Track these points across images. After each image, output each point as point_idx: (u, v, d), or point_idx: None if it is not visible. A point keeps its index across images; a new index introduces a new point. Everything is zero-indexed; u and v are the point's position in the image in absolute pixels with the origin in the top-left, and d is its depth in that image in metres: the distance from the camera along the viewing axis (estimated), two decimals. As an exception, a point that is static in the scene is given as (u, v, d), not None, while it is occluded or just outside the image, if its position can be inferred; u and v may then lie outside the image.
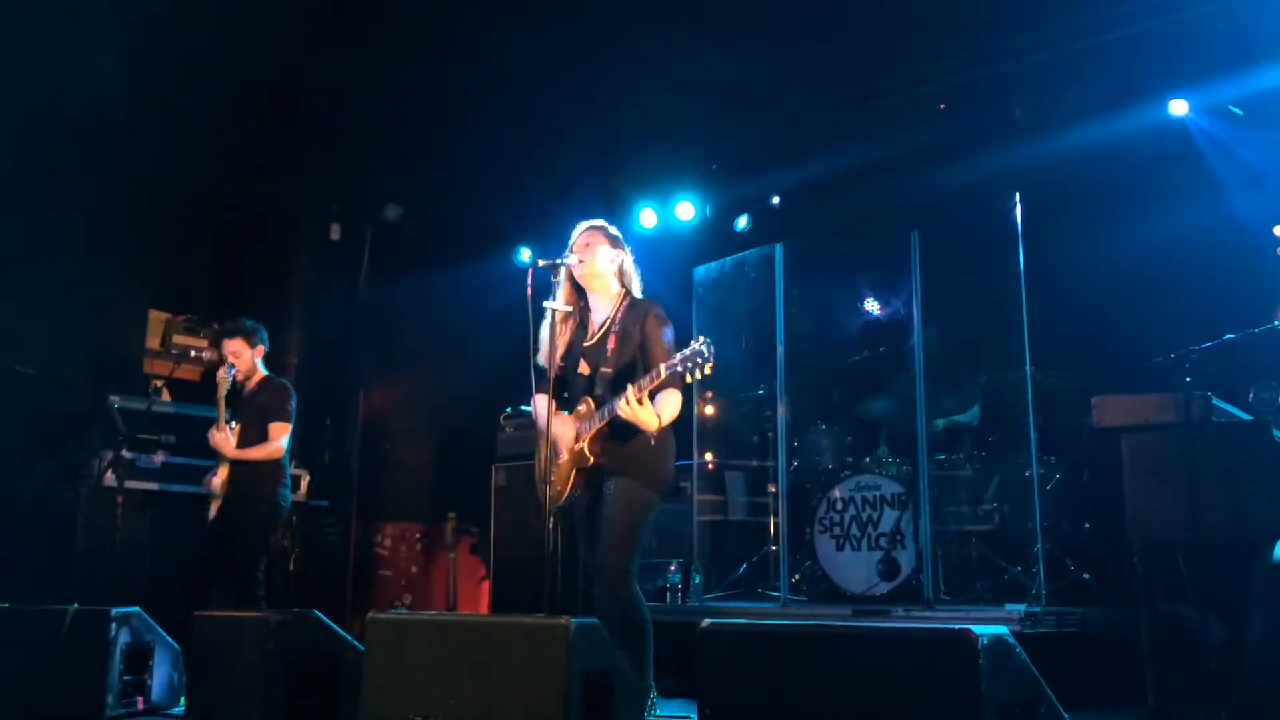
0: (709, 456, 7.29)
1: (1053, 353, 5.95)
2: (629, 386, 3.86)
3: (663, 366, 3.82)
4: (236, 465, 5.65)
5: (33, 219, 6.51)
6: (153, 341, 7.55)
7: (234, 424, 5.72)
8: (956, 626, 2.66)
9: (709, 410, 7.33)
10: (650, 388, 3.84)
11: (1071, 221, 6.43)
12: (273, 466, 5.69)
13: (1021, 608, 5.16)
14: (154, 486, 6.57)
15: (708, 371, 3.76)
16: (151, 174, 7.20)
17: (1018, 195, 5.67)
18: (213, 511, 5.67)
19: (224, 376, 5.71)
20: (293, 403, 5.80)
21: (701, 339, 3.78)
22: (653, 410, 3.90)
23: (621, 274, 4.31)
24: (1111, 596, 5.63)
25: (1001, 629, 2.73)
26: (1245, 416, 4.08)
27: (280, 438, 5.67)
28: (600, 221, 4.39)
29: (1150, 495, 3.84)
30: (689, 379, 3.80)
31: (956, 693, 2.59)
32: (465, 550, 8.37)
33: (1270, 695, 3.77)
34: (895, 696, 2.71)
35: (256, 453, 5.64)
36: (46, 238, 6.60)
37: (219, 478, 5.67)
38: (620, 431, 4.03)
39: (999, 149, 6.70)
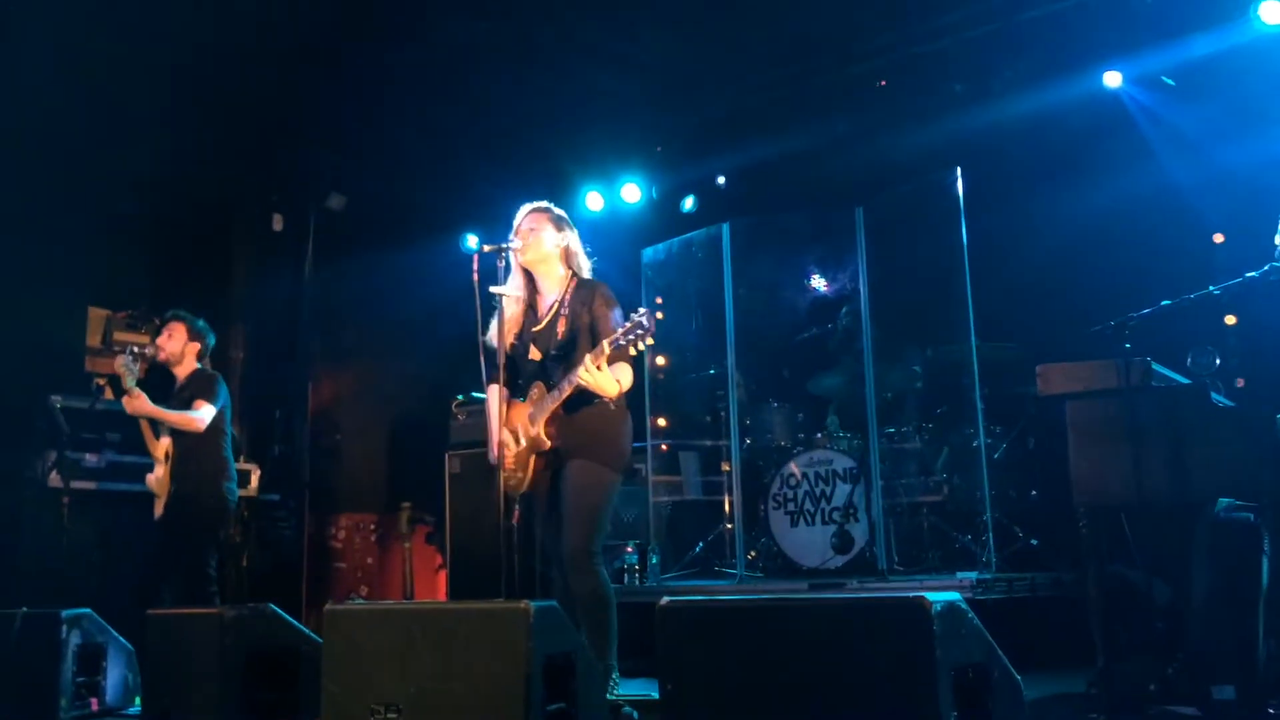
0: (663, 438, 7.32)
1: (997, 323, 6.05)
2: (586, 356, 3.87)
3: (606, 342, 3.83)
4: (177, 463, 5.54)
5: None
6: (93, 339, 7.40)
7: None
8: (910, 594, 2.71)
9: (662, 392, 7.35)
10: (602, 359, 3.85)
11: (1012, 194, 6.53)
12: (216, 460, 5.59)
13: (973, 575, 5.26)
14: (100, 486, 6.46)
15: (649, 342, 3.79)
16: (86, 167, 7.04)
17: (959, 169, 5.75)
18: (157, 510, 5.58)
19: (121, 364, 5.51)
20: (220, 387, 5.65)
21: (643, 311, 3.79)
22: (612, 377, 3.91)
23: (568, 256, 4.30)
24: (1059, 561, 5.75)
25: (954, 595, 2.78)
26: (1184, 380, 4.18)
27: (201, 409, 5.50)
28: (544, 204, 4.38)
29: (1094, 460, 3.91)
30: (633, 350, 3.80)
31: (912, 658, 2.63)
32: (421, 539, 8.33)
33: (1213, 652, 3.88)
34: (853, 665, 2.75)
35: (177, 418, 5.49)
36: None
37: (155, 476, 5.57)
38: (575, 412, 4.05)
39: (939, 124, 6.79)
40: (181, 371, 5.73)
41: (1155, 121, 6.37)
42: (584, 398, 4.03)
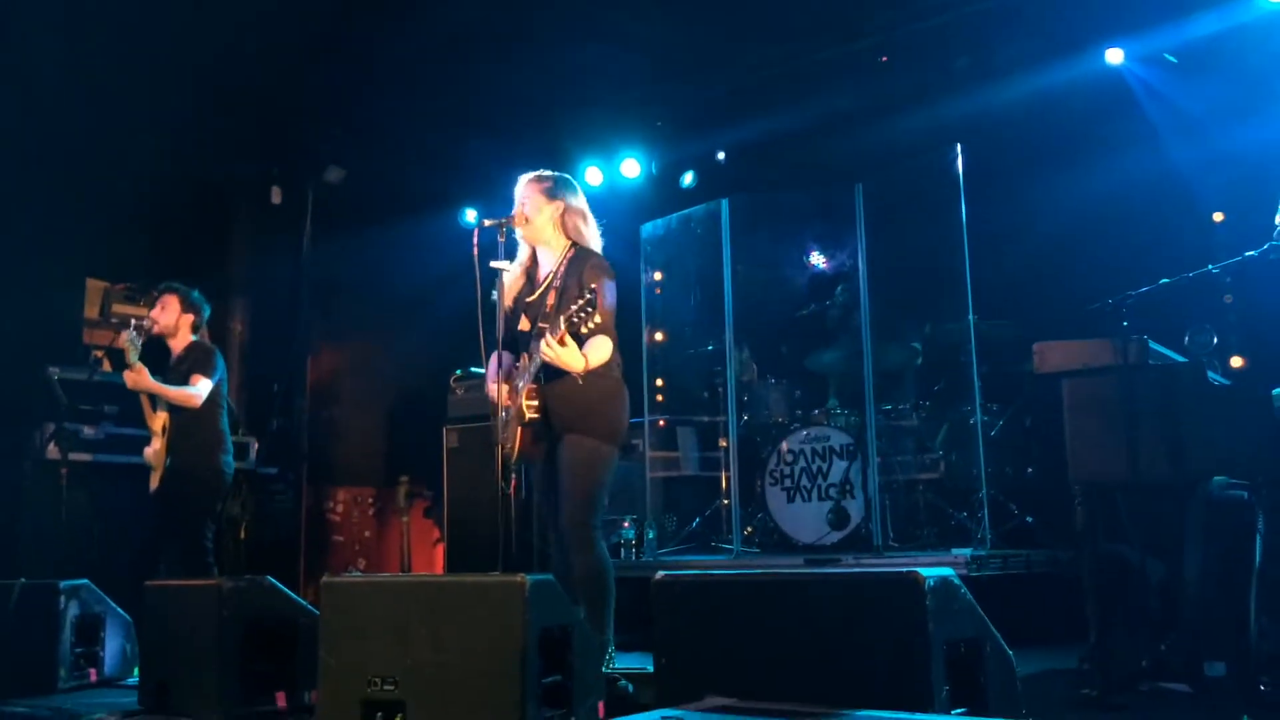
0: (661, 412, 7.33)
1: (995, 301, 6.05)
2: (546, 333, 3.82)
3: (561, 318, 3.76)
4: (174, 436, 5.54)
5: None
6: (91, 311, 7.39)
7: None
8: (904, 569, 2.72)
9: (660, 366, 7.36)
10: (562, 334, 3.78)
11: (1012, 172, 6.51)
12: (212, 432, 5.59)
13: (967, 552, 5.28)
14: (98, 458, 6.47)
15: (596, 321, 3.71)
16: (86, 140, 7.01)
17: (959, 147, 5.74)
18: (153, 483, 5.58)
19: (126, 339, 5.50)
20: (217, 360, 5.65)
21: (592, 287, 3.75)
22: (577, 351, 3.85)
23: (564, 224, 4.20)
24: (1054, 538, 5.77)
25: (947, 571, 2.80)
26: (1181, 359, 4.18)
27: (197, 384, 5.49)
28: (536, 173, 4.28)
29: (1090, 438, 3.91)
30: (584, 329, 3.74)
31: (905, 633, 2.65)
32: (419, 513, 8.35)
33: (1205, 629, 3.90)
34: (847, 639, 2.77)
35: (176, 395, 5.48)
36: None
37: (152, 448, 5.58)
38: (561, 384, 4.00)
39: (940, 101, 6.75)
40: (177, 344, 5.71)
41: (1157, 99, 6.35)
42: (563, 370, 3.99)
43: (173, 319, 5.68)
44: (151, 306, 5.85)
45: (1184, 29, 6.13)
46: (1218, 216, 5.83)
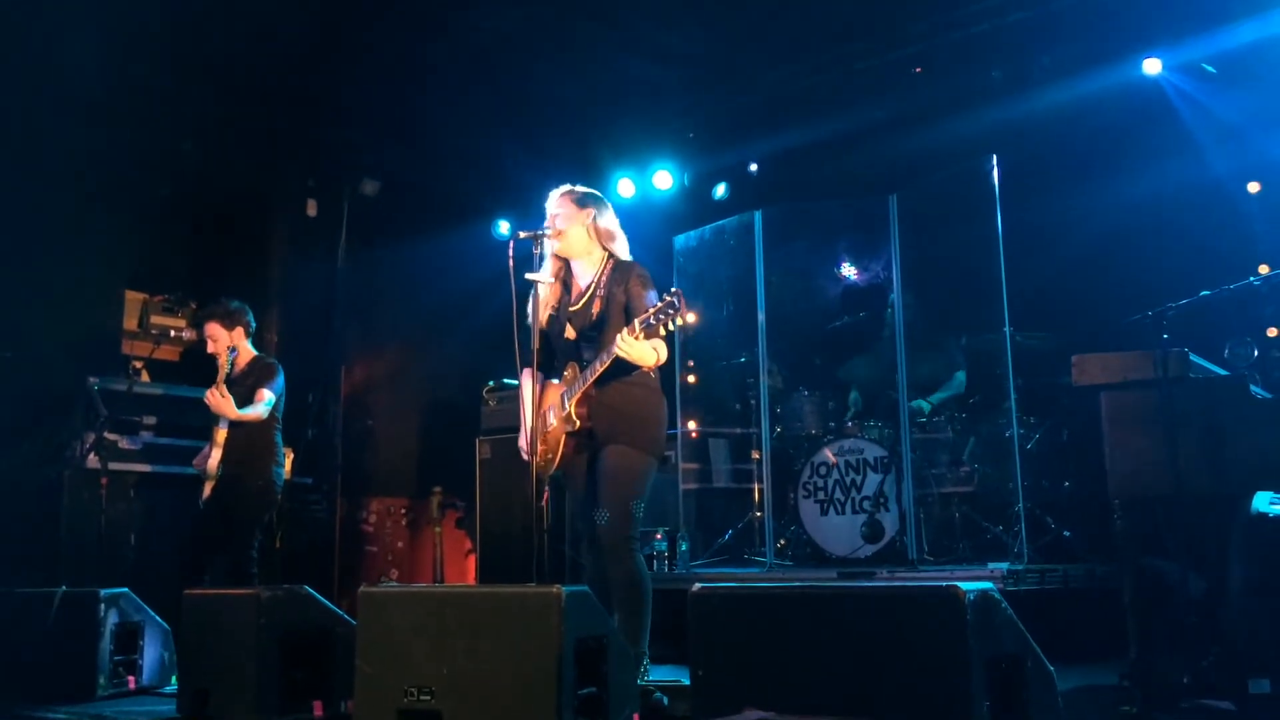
0: (692, 425, 7.32)
1: (1032, 313, 6.00)
2: (622, 330, 3.83)
3: (637, 320, 3.77)
4: (229, 447, 5.63)
5: (5, 201, 6.43)
6: (130, 322, 7.49)
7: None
8: (944, 584, 2.70)
9: (692, 379, 7.35)
10: (638, 333, 3.78)
11: (1049, 182, 6.46)
12: (266, 444, 5.69)
13: (1004, 566, 5.24)
14: (137, 467, 6.55)
15: (680, 321, 3.71)
16: (124, 153, 7.11)
17: (995, 157, 5.70)
18: (206, 492, 5.65)
19: (225, 362, 5.68)
20: (280, 375, 5.79)
21: (675, 290, 3.75)
22: (649, 347, 3.87)
23: (598, 234, 4.24)
24: (1092, 553, 5.71)
25: (987, 585, 2.77)
26: (1222, 372, 4.13)
27: (262, 399, 5.62)
28: (566, 187, 4.32)
29: (1130, 451, 3.88)
30: (663, 330, 3.74)
31: (945, 648, 2.63)
32: (451, 524, 8.38)
33: (1248, 646, 3.84)
34: (885, 654, 2.75)
35: (249, 416, 5.60)
36: (19, 220, 6.52)
37: (214, 460, 5.64)
38: (608, 392, 4.04)
39: (976, 111, 6.71)
40: (241, 359, 5.84)
41: (1195, 109, 6.29)
42: (617, 376, 4.01)
43: (224, 342, 5.79)
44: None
45: (1222, 38, 6.07)
46: (1253, 187, 5.76)
